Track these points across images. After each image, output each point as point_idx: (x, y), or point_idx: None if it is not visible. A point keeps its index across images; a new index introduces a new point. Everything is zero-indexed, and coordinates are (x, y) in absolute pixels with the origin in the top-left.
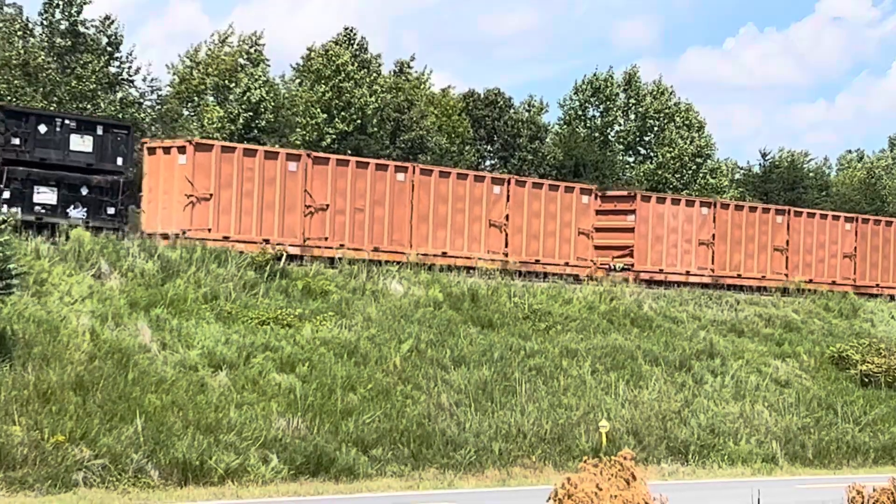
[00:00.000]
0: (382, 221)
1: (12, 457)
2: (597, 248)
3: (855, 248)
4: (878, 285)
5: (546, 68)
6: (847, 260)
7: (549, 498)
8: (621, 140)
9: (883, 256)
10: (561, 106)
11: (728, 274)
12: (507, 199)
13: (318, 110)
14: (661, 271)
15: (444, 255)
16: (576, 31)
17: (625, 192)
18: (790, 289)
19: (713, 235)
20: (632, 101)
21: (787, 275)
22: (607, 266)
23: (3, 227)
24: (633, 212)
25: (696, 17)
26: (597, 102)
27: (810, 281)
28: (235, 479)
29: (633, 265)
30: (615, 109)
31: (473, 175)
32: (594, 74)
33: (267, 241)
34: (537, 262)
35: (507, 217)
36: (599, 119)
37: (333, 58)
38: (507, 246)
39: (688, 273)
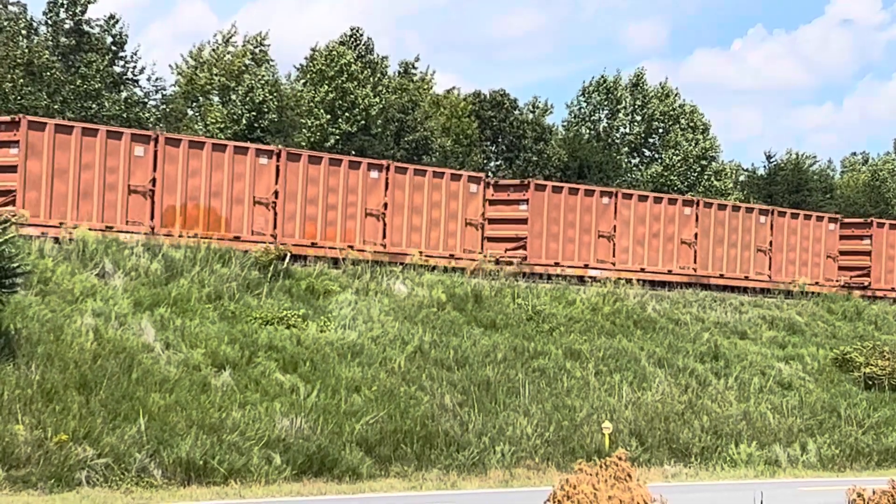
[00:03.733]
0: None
1: (16, 456)
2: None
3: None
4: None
5: (553, 69)
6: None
7: (548, 499)
8: (626, 142)
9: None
10: (568, 107)
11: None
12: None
13: (322, 111)
14: None
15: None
16: (583, 33)
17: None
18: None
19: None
20: (637, 102)
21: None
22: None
23: (6, 225)
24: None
25: (704, 18)
26: (606, 104)
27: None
28: (238, 478)
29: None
30: (623, 112)
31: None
32: (602, 76)
33: None
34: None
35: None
36: (605, 121)
37: (337, 58)
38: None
39: None
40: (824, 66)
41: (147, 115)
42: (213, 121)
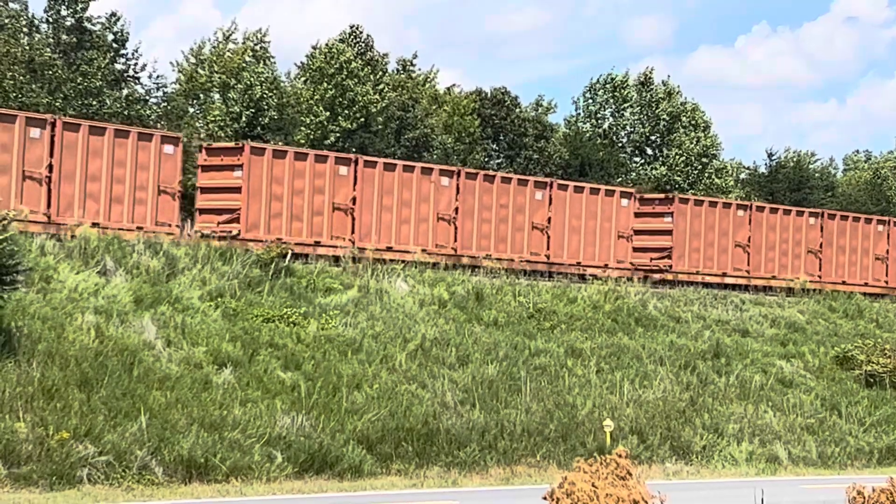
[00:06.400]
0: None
1: (17, 453)
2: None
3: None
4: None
5: (555, 66)
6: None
7: (547, 496)
8: (631, 141)
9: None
10: (574, 103)
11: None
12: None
13: (322, 108)
14: None
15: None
16: (586, 30)
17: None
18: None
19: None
20: (644, 101)
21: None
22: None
23: (6, 223)
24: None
25: (708, 15)
26: (612, 102)
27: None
28: (240, 476)
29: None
30: (630, 111)
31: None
32: (609, 74)
33: None
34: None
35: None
36: (610, 119)
37: (336, 55)
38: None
39: None
40: (828, 63)
41: (148, 112)
42: (214, 119)
